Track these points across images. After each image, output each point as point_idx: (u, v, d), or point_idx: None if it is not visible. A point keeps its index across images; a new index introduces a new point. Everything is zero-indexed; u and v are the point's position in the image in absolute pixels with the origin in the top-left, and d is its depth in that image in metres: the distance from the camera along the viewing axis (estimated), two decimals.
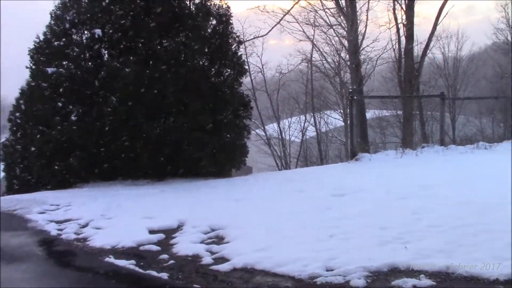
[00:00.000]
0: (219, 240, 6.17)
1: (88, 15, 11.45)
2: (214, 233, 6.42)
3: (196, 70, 11.51)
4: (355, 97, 14.42)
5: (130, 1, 11.30)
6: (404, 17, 20.64)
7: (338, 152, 30.18)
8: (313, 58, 28.67)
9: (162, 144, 10.91)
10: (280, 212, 7.28)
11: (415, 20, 20.82)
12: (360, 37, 22.80)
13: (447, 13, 22.30)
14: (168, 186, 10.57)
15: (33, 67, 11.62)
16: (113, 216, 7.78)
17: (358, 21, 22.21)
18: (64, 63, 11.32)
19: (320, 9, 23.17)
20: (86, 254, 5.94)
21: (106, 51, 11.69)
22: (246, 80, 17.62)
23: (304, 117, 31.31)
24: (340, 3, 21.82)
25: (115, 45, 11.44)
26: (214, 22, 12.33)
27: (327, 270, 4.68)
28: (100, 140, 10.93)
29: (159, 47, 11.33)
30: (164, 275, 4.95)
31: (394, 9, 21.58)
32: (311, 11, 23.78)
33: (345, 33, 22.66)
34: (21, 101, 12.13)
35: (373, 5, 36.03)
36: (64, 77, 11.16)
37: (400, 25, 21.28)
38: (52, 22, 11.76)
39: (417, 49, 23.37)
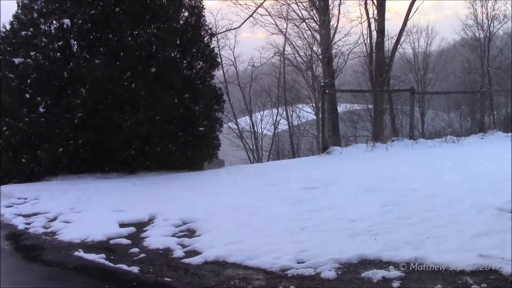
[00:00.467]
0: (191, 233, 6.14)
1: (57, 4, 11.20)
2: (185, 226, 6.39)
3: (168, 62, 11.39)
4: (326, 91, 14.49)
5: None
6: (375, 11, 20.83)
7: (310, 145, 30.42)
8: (285, 52, 28.74)
9: (132, 136, 10.79)
10: (251, 205, 7.28)
11: (387, 15, 21.05)
12: (332, 31, 22.92)
13: (417, 9, 22.81)
14: (139, 179, 10.47)
15: (0, 57, 11.31)
16: (82, 209, 7.67)
17: (331, 15, 22.33)
18: (31, 53, 11.08)
19: (292, 3, 23.16)
20: (54, 248, 5.84)
21: (75, 42, 11.46)
22: (218, 73, 17.57)
23: (276, 111, 31.43)
24: None
25: (84, 36, 11.23)
26: (186, 14, 12.24)
27: (298, 263, 4.71)
28: (69, 133, 10.74)
29: (129, 38, 11.18)
30: (135, 269, 4.90)
31: (366, 4, 21.80)
32: (284, 4, 23.75)
33: (317, 27, 22.74)
34: None
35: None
36: (31, 68, 10.91)
37: (372, 20, 21.49)
38: (19, 11, 11.46)
39: (388, 44, 23.72)
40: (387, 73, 20.85)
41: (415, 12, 37.81)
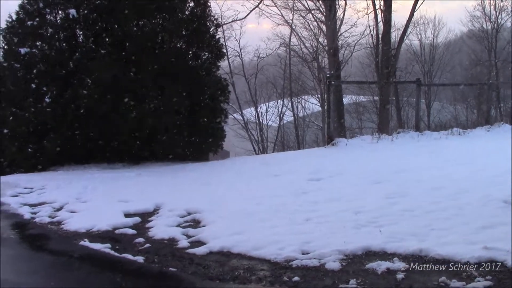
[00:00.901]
0: (196, 223, 6.17)
1: None
2: (190, 217, 6.42)
3: (173, 53, 11.37)
4: (332, 82, 14.45)
5: None
6: (382, 2, 20.68)
7: (315, 137, 30.37)
8: (291, 43, 28.68)
9: (138, 127, 10.79)
10: (256, 196, 7.29)
11: (393, 6, 20.93)
12: (338, 22, 22.84)
13: (424, 0, 22.48)
14: (144, 170, 10.50)
15: (6, 47, 11.31)
16: (88, 199, 7.71)
17: (337, 6, 22.22)
18: (37, 43, 11.05)
19: None
20: (60, 238, 5.87)
21: (81, 32, 11.45)
22: (223, 64, 17.52)
23: (281, 102, 31.36)
24: None
25: (90, 26, 11.20)
26: (191, 4, 12.17)
27: (302, 254, 4.72)
28: (75, 123, 10.76)
29: (135, 29, 11.14)
30: (140, 259, 4.93)
31: None
32: None
33: (323, 18, 22.65)
34: None
35: None
36: (37, 57, 10.91)
37: (378, 11, 21.34)
38: (25, 1, 11.43)
39: (395, 35, 23.56)
40: (393, 65, 20.74)
41: (422, 3, 37.47)
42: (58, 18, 11.40)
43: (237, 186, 8.32)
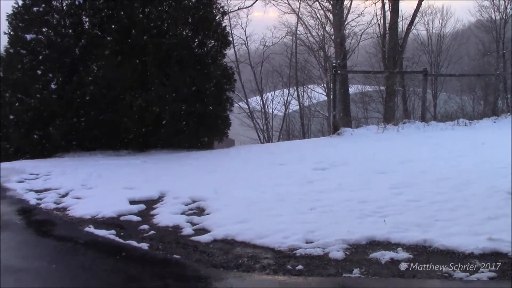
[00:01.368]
0: (200, 211, 6.18)
1: None
2: (195, 205, 6.43)
3: (179, 40, 11.33)
4: (338, 72, 14.39)
5: None
6: None
7: (320, 126, 30.34)
8: (297, 31, 28.55)
9: (143, 115, 10.79)
10: (261, 184, 7.30)
11: None
12: (345, 11, 22.69)
13: None
14: (149, 157, 10.52)
15: (12, 33, 11.31)
16: (93, 186, 7.74)
17: None
18: (43, 29, 11.06)
19: None
20: (65, 224, 5.90)
21: (86, 19, 11.43)
22: (229, 52, 17.46)
23: (287, 91, 31.28)
24: None
25: (96, 13, 11.18)
26: None
27: (306, 243, 4.73)
28: (81, 110, 10.78)
29: (141, 16, 11.10)
30: (144, 245, 4.96)
31: None
32: None
33: (330, 6, 22.52)
34: None
35: None
36: (43, 44, 10.92)
37: (386, 0, 21.20)
38: None
39: (402, 25, 23.43)
40: (400, 55, 20.63)
41: None
42: (64, 4, 11.38)
43: (242, 174, 8.33)
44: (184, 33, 11.80)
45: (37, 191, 7.46)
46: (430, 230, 4.82)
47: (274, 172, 8.29)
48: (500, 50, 27.70)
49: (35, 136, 10.81)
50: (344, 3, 22.31)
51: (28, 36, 10.87)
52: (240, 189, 7.11)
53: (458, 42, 34.20)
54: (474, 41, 32.46)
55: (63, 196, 7.20)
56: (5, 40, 11.42)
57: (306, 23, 26.79)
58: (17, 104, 10.76)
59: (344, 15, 22.54)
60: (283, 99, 31.31)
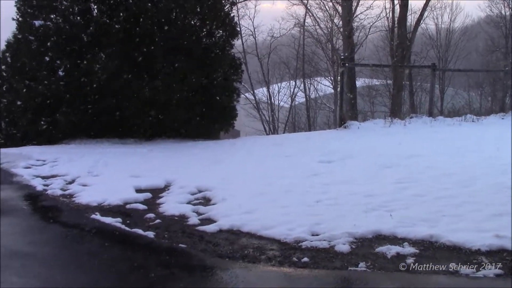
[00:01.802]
0: (206, 201, 6.19)
1: None
2: (201, 194, 6.44)
3: (187, 30, 11.30)
4: (347, 64, 14.33)
5: None
6: None
7: (326, 119, 30.30)
8: (305, 23, 28.42)
9: (150, 104, 10.79)
10: (266, 175, 7.30)
11: None
12: (354, 4, 22.54)
13: None
14: (156, 146, 10.53)
15: (20, 19, 11.30)
16: (99, 173, 7.76)
17: None
18: (52, 16, 11.04)
19: None
20: (72, 210, 5.93)
21: (95, 6, 11.40)
22: (237, 43, 17.41)
23: (294, 83, 31.21)
24: None
25: (105, 0, 11.15)
26: None
27: (312, 235, 4.73)
28: (88, 97, 10.78)
29: (149, 4, 11.07)
30: (150, 234, 4.97)
31: None
32: None
33: None
34: (7, 54, 11.84)
35: None
36: (51, 30, 10.90)
37: None
38: None
39: (411, 19, 23.28)
40: (408, 49, 20.51)
41: None
42: None
43: (248, 165, 8.33)
44: (192, 22, 11.76)
45: (43, 177, 7.47)
46: (436, 225, 4.80)
47: (280, 163, 8.28)
48: (509, 46, 27.49)
49: (42, 122, 10.83)
50: None
51: (37, 23, 10.85)
52: (246, 180, 7.12)
53: (467, 37, 33.97)
54: (483, 37, 32.24)
55: (70, 183, 7.22)
56: (13, 26, 11.42)
57: (315, 15, 26.67)
58: (24, 90, 10.77)
59: (353, 7, 22.41)
60: (290, 91, 31.24)
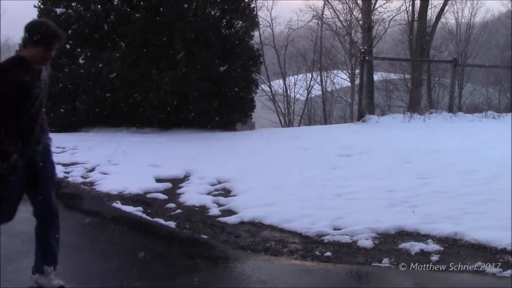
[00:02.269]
0: (226, 192, 6.19)
1: None
2: (221, 185, 6.44)
3: (207, 20, 11.26)
4: (367, 58, 14.20)
5: None
6: None
7: (342, 112, 30.11)
8: (324, 16, 28.19)
9: (169, 93, 10.79)
10: (285, 168, 7.27)
11: None
12: None
13: None
14: (174, 136, 10.55)
15: (42, 6, 11.35)
16: (119, 162, 7.78)
17: None
18: (73, 4, 11.08)
19: None
20: (93, 198, 5.97)
21: None
22: (255, 34, 17.33)
23: (310, 75, 31.01)
24: None
25: None
26: None
27: (334, 229, 4.70)
28: (107, 86, 10.81)
29: None
30: (172, 224, 4.98)
31: None
32: None
33: None
34: None
35: None
36: (72, 18, 10.94)
37: None
38: None
39: (431, 13, 22.95)
40: (428, 43, 20.26)
41: None
42: None
43: (266, 157, 8.30)
44: (212, 12, 11.71)
45: (64, 165, 7.52)
46: (460, 223, 4.74)
47: (298, 156, 8.25)
48: None
49: (62, 110, 10.89)
50: None
51: (58, 10, 10.90)
52: (264, 172, 7.10)
53: (488, 32, 33.42)
54: (504, 32, 31.70)
55: (90, 170, 7.26)
56: (34, 13, 11.46)
57: (334, 7, 26.46)
58: None
59: (373, 0, 22.19)
60: (306, 83, 31.05)
